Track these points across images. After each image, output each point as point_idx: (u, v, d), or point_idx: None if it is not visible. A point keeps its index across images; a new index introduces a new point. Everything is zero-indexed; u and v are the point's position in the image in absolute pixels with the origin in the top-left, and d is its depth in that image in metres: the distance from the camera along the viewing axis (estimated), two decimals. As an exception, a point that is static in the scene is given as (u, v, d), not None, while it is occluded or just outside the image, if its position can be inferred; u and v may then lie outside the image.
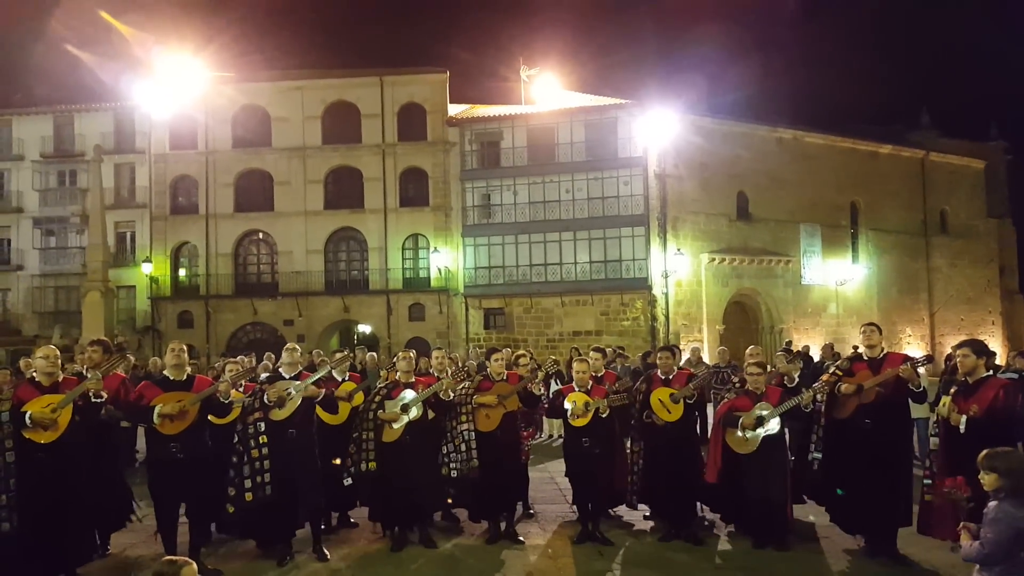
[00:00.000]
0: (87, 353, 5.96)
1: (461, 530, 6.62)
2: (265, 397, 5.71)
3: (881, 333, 5.88)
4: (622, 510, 6.97)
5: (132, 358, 6.85)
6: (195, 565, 3.12)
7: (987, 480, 3.42)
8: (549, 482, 7.22)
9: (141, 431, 10.31)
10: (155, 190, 27.24)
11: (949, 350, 12.06)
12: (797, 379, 6.56)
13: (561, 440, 7.09)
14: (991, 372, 5.18)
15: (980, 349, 5.22)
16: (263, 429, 5.68)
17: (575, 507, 6.68)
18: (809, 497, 6.25)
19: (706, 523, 6.54)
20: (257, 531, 5.88)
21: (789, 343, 19.45)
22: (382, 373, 6.77)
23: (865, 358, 5.80)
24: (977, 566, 3.42)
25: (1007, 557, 3.30)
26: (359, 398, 6.59)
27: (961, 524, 3.54)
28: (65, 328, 24.00)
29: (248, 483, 5.59)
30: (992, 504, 3.39)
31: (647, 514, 6.84)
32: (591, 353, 7.36)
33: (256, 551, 5.97)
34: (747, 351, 7.57)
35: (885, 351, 5.83)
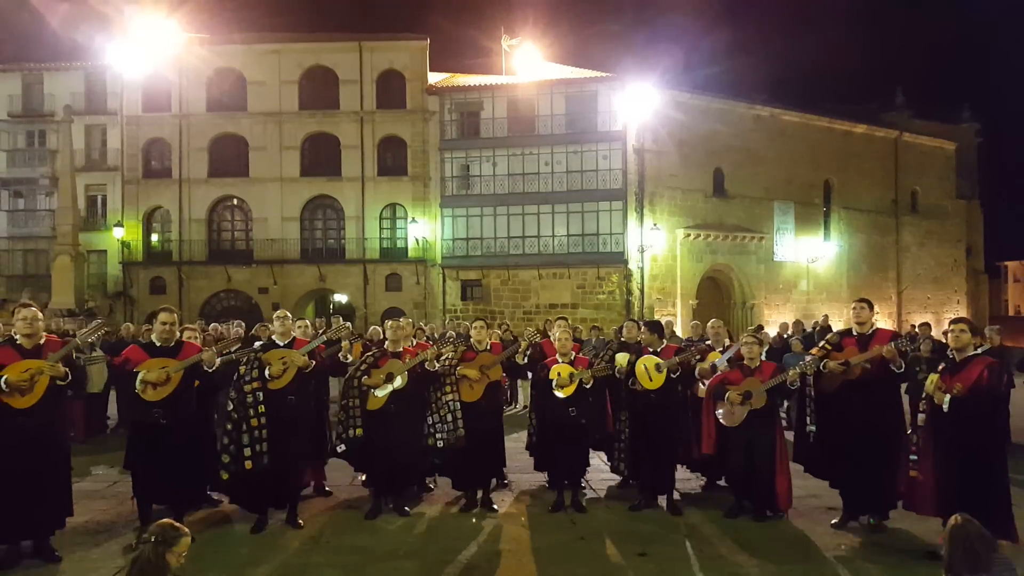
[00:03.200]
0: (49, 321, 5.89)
1: (435, 498, 6.69)
2: (267, 372, 5.70)
3: (872, 309, 5.87)
4: (595, 477, 7.08)
5: (103, 323, 6.83)
6: (190, 536, 3.07)
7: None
8: (522, 452, 7.28)
9: (112, 398, 10.46)
10: (127, 153, 26.68)
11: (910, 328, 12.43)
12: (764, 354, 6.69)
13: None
14: (978, 351, 5.11)
15: (974, 327, 5.21)
16: (261, 399, 5.68)
17: (548, 475, 6.78)
18: (807, 469, 6.20)
19: (679, 496, 6.57)
20: (252, 499, 5.84)
21: (760, 327, 19.85)
22: (344, 344, 6.80)
23: (854, 333, 5.81)
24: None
25: None
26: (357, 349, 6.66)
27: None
28: (34, 292, 23.54)
29: (247, 451, 5.58)
30: None
31: (618, 481, 6.99)
32: (559, 321, 7.54)
33: (229, 518, 5.99)
34: (708, 324, 7.79)
35: (875, 328, 5.83)
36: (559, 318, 7.89)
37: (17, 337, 5.10)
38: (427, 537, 5.71)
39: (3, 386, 4.83)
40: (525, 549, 5.43)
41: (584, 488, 6.89)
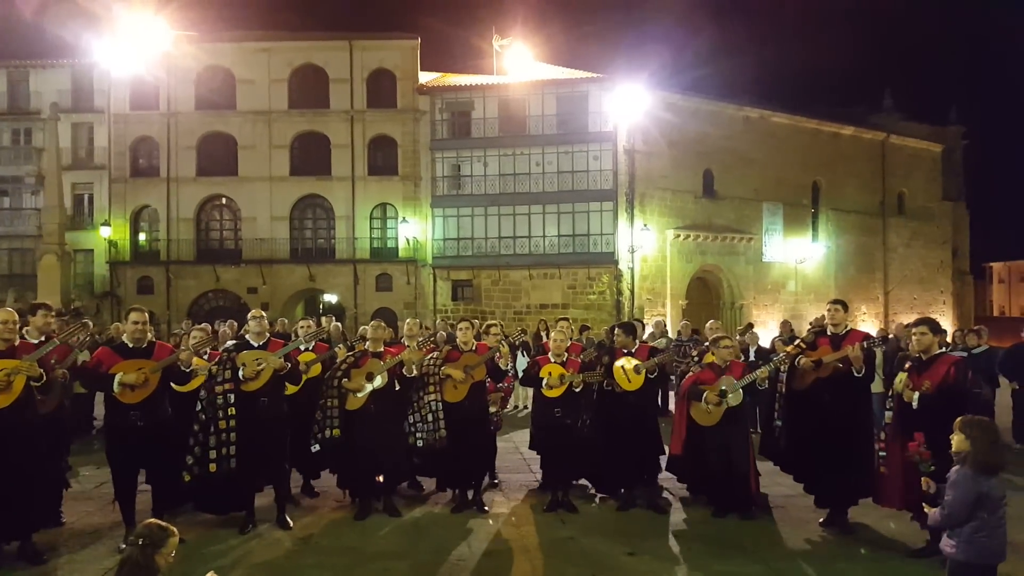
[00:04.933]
0: (38, 318, 5.79)
1: (426, 499, 6.69)
2: (240, 373, 5.61)
3: (847, 310, 6.02)
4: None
5: (91, 324, 6.73)
6: (178, 536, 3.05)
7: (956, 441, 3.48)
8: (514, 452, 7.30)
9: (99, 398, 10.33)
10: (114, 151, 26.44)
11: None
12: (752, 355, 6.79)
13: (527, 411, 7.21)
14: (943, 349, 5.25)
15: (936, 327, 5.38)
16: (232, 400, 5.60)
17: (541, 476, 6.80)
18: (775, 464, 6.31)
19: (666, 493, 6.66)
20: (212, 502, 5.80)
21: (750, 325, 20.01)
22: (338, 349, 6.75)
23: (828, 333, 5.92)
24: (945, 534, 3.50)
25: (969, 519, 3.36)
26: (316, 369, 6.55)
27: (923, 480, 3.64)
28: (19, 292, 23.32)
29: (213, 454, 5.50)
30: (955, 468, 3.46)
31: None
32: (560, 323, 7.55)
33: (217, 519, 5.94)
34: (707, 325, 7.85)
35: (848, 328, 5.95)
36: (560, 319, 7.85)
37: None
38: (417, 537, 5.70)
39: None
40: (515, 549, 5.44)
41: (578, 484, 6.83)
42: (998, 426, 3.53)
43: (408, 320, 7.02)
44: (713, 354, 6.57)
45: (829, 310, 5.96)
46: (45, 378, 5.06)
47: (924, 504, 3.74)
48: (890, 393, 5.43)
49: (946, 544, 3.52)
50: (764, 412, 6.72)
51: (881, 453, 5.39)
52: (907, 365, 5.35)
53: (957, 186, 36.29)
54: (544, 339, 7.65)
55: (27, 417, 5.01)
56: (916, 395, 5.04)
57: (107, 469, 6.73)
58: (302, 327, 7.17)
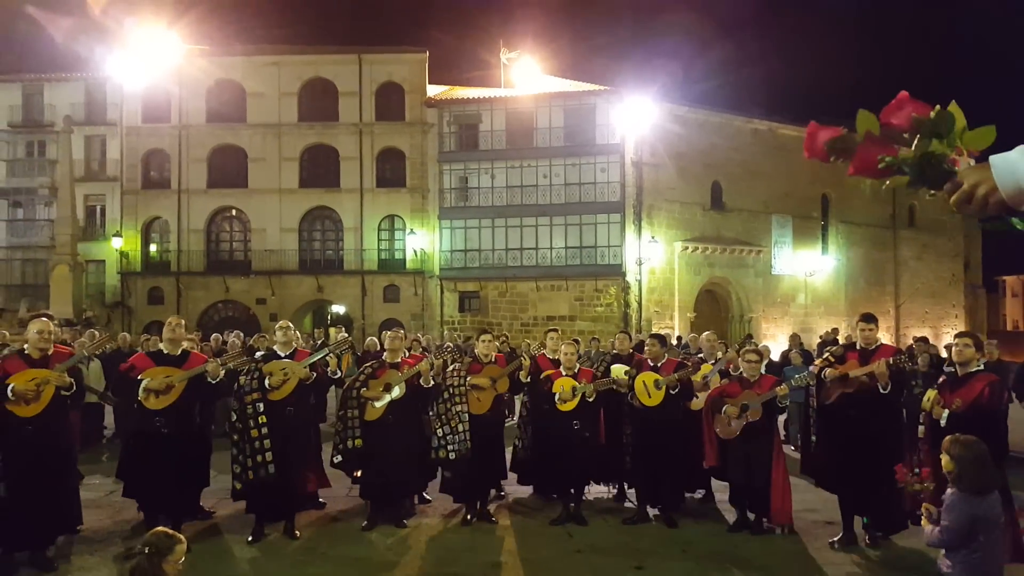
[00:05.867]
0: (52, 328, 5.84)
1: (432, 510, 6.66)
2: (267, 382, 5.71)
3: (876, 325, 5.90)
4: (592, 488, 7.05)
5: (97, 333, 6.83)
6: (185, 543, 3.06)
7: (944, 461, 3.44)
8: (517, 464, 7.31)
9: (109, 409, 10.42)
10: (126, 163, 26.74)
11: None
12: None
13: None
14: (981, 367, 5.05)
15: (979, 343, 5.17)
16: (262, 409, 5.70)
17: (535, 489, 6.78)
18: (817, 484, 6.14)
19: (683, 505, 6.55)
20: (262, 508, 5.89)
21: (749, 336, 19.93)
22: (331, 360, 6.72)
23: (858, 347, 5.84)
24: (942, 552, 3.44)
25: (968, 542, 3.29)
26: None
27: (923, 507, 3.56)
28: (32, 302, 23.55)
29: (249, 462, 5.61)
30: (949, 491, 3.39)
31: (614, 494, 6.97)
32: (551, 334, 7.44)
33: (226, 529, 5.99)
34: (702, 337, 7.79)
35: (879, 343, 5.86)
36: (550, 330, 7.82)
37: (26, 348, 5.17)
38: (423, 549, 5.68)
39: (9, 394, 4.88)
40: (522, 561, 5.39)
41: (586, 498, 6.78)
42: (985, 446, 3.41)
43: (388, 333, 6.94)
44: (710, 366, 6.54)
45: (862, 329, 5.84)
46: (75, 388, 5.16)
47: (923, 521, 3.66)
48: (922, 409, 5.24)
49: (943, 564, 3.44)
50: (801, 428, 6.64)
51: (915, 471, 5.24)
52: (940, 380, 5.20)
53: (969, 198, 35.96)
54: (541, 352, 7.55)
55: (55, 427, 5.11)
56: (946, 413, 4.86)
57: (114, 477, 6.82)
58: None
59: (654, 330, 23.05)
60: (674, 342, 14.91)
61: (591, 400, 6.29)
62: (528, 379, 6.58)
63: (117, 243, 26.08)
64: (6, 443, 4.88)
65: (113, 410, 10.35)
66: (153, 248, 27.25)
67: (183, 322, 5.88)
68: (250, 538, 5.70)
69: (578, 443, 6.28)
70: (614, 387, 6.47)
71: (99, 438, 10.30)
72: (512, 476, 7.12)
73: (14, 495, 4.86)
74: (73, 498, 5.33)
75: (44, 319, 5.26)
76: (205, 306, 26.35)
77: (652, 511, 6.37)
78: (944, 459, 3.42)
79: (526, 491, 7.17)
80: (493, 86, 28.02)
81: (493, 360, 6.52)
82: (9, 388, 4.88)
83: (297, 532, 5.84)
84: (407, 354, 6.84)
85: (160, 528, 3.18)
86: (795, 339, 14.49)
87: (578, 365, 6.53)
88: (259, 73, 26.55)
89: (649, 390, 6.28)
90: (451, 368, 6.36)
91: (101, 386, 9.99)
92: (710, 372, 6.68)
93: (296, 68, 26.65)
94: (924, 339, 11.58)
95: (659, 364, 6.45)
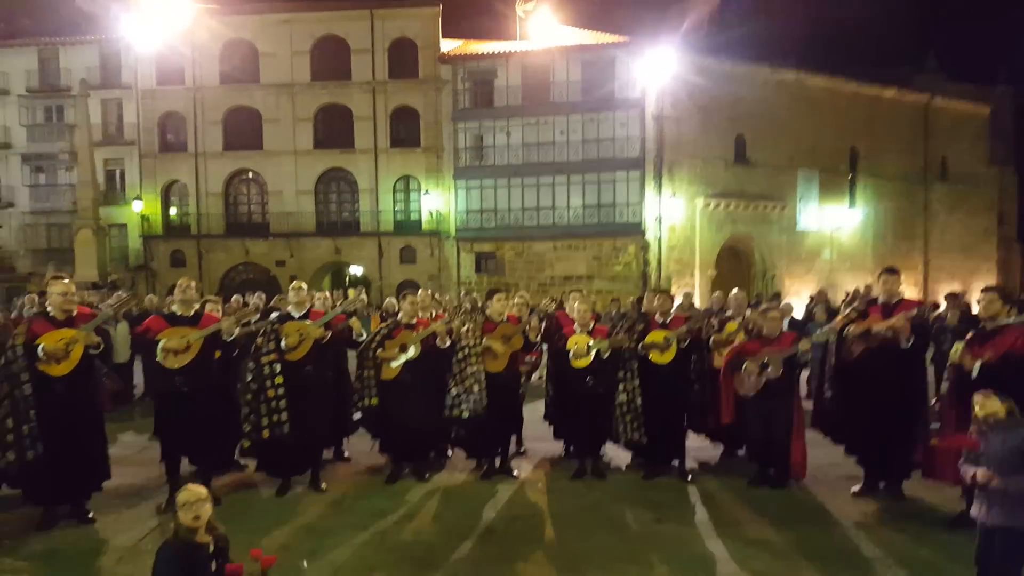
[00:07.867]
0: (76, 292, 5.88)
1: (454, 465, 6.76)
2: (283, 344, 5.78)
3: (899, 277, 5.80)
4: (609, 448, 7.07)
5: (123, 295, 6.94)
6: (211, 500, 3.19)
7: (988, 408, 3.60)
8: (540, 421, 7.33)
9: (138, 367, 10.67)
10: (143, 127, 26.76)
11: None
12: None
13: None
14: (1011, 319, 4.99)
15: (1006, 295, 5.13)
16: (279, 370, 5.76)
17: (566, 445, 6.85)
18: (827, 436, 6.17)
19: (692, 464, 6.56)
20: (275, 466, 6.03)
21: (777, 295, 19.51)
22: (354, 322, 6.76)
23: (880, 302, 5.75)
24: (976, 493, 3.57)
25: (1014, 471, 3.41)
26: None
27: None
28: (58, 266, 23.95)
29: (265, 420, 5.70)
30: (994, 430, 3.56)
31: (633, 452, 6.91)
32: (573, 294, 7.48)
33: (255, 483, 6.14)
34: (731, 294, 7.62)
35: (901, 297, 5.76)
36: (573, 290, 7.87)
37: (50, 310, 5.25)
38: (446, 501, 5.78)
39: (40, 354, 4.97)
40: (543, 514, 5.46)
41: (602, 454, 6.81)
42: None
43: (420, 292, 6.96)
44: (736, 324, 6.40)
45: (884, 281, 5.72)
46: (103, 346, 5.30)
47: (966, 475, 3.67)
48: (948, 364, 5.22)
49: (981, 511, 3.49)
50: (815, 383, 6.58)
51: (934, 425, 5.21)
52: (968, 335, 5.12)
53: (1006, 150, 34.58)
54: (558, 310, 7.53)
55: (85, 385, 5.25)
56: (978, 363, 4.78)
57: (150, 434, 7.02)
58: (318, 300, 7.24)
59: (674, 289, 22.75)
60: (679, 301, 14.61)
61: (606, 357, 6.23)
62: (538, 338, 6.64)
63: (138, 207, 26.31)
64: (39, 402, 4.99)
65: (143, 369, 10.60)
66: (173, 211, 27.43)
67: (194, 283, 5.91)
68: (278, 491, 5.86)
69: (593, 399, 6.27)
70: (629, 346, 6.39)
71: (128, 398, 10.58)
72: (535, 433, 7.19)
73: (50, 452, 4.99)
74: (104, 453, 5.50)
75: (66, 281, 5.32)
76: (226, 268, 26.62)
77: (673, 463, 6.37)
78: (988, 403, 3.59)
79: (550, 448, 7.21)
80: (508, 39, 27.28)
81: (506, 319, 6.53)
82: (40, 348, 4.97)
83: (324, 485, 5.98)
84: (431, 315, 6.77)
85: (190, 484, 3.29)
86: (821, 294, 14.13)
87: (592, 323, 6.45)
88: (270, 32, 26.14)
89: (660, 347, 6.24)
90: (465, 328, 6.39)
91: (128, 349, 10.23)
92: (735, 330, 6.53)
93: (308, 26, 26.16)
94: (955, 295, 11.18)
95: (667, 320, 6.41)
